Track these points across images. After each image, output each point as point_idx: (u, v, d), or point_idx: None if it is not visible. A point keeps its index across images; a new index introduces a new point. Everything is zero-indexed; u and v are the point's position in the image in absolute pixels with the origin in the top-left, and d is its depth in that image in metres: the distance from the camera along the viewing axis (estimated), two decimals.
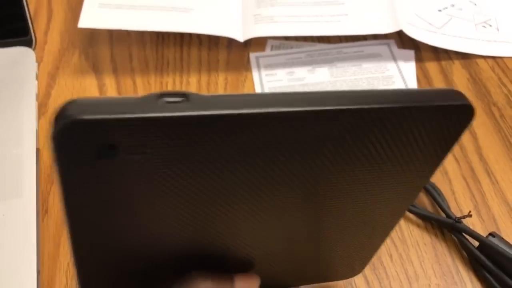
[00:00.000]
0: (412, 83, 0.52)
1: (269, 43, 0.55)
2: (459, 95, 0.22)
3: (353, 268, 0.35)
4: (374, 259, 0.40)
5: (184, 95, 0.19)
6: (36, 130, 0.44)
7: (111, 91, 0.50)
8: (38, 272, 0.37)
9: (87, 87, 0.51)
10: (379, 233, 0.31)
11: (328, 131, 0.21)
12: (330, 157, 0.23)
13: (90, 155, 0.19)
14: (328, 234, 0.29)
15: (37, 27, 0.55)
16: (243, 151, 0.21)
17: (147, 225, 0.23)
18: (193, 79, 0.52)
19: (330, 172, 0.24)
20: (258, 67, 0.53)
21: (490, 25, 0.56)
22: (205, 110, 0.19)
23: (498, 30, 0.56)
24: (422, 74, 0.52)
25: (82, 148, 0.18)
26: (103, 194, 0.21)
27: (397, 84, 0.51)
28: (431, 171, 0.26)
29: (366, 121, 0.21)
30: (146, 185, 0.21)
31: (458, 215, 0.41)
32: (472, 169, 0.45)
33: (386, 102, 0.21)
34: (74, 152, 0.18)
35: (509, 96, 0.51)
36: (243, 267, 0.30)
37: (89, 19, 0.51)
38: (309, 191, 0.24)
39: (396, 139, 0.23)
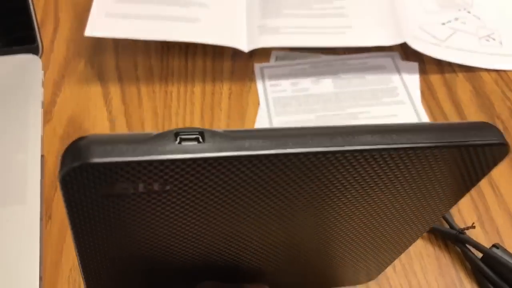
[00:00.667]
0: (416, 96, 0.52)
1: (274, 54, 0.55)
2: (494, 130, 0.21)
3: (366, 275, 0.34)
4: None
5: (200, 133, 0.18)
6: (41, 137, 0.45)
7: (116, 100, 0.51)
8: (41, 278, 0.37)
9: (92, 96, 0.51)
10: (394, 250, 0.30)
11: (352, 169, 0.20)
12: (351, 192, 0.22)
13: (99, 194, 0.18)
14: (340, 246, 0.29)
15: (44, 35, 0.55)
16: (259, 186, 0.20)
17: (156, 243, 0.23)
18: (197, 89, 0.52)
19: (348, 202, 0.23)
20: (263, 77, 0.53)
21: (494, 39, 0.56)
22: (220, 151, 0.18)
23: (501, 44, 0.56)
24: (426, 86, 0.53)
25: (92, 188, 0.18)
26: (112, 225, 0.21)
27: (401, 96, 0.52)
28: (454, 201, 0.25)
29: (395, 159, 0.20)
30: (157, 217, 0.21)
31: (462, 226, 0.41)
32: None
33: (417, 141, 0.20)
34: (83, 192, 0.18)
35: None
36: (254, 276, 0.29)
37: (95, 27, 0.52)
38: (323, 214, 0.24)
39: (423, 175, 0.22)
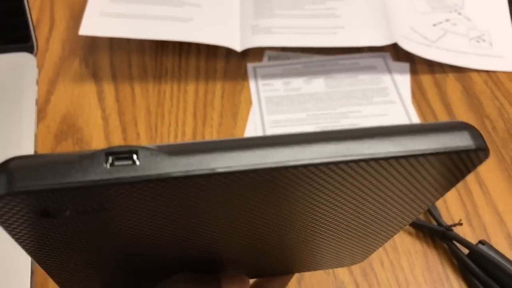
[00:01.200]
0: (406, 95, 0.52)
1: (267, 53, 0.56)
2: (472, 132, 0.18)
3: (350, 260, 0.34)
4: (366, 266, 0.40)
5: (134, 152, 0.17)
6: (35, 135, 0.45)
7: (110, 98, 0.51)
8: (32, 272, 0.37)
9: (86, 94, 0.51)
10: (379, 239, 0.31)
11: (305, 183, 0.18)
12: (313, 203, 0.20)
13: (32, 217, 0.17)
14: (317, 240, 0.29)
15: (40, 34, 0.56)
16: (206, 202, 0.19)
17: (116, 250, 0.23)
18: (190, 88, 0.53)
19: (313, 211, 0.22)
20: (255, 77, 0.54)
21: (484, 40, 0.57)
22: (154, 171, 0.16)
23: (491, 45, 0.57)
24: (416, 86, 0.53)
25: (22, 213, 0.17)
26: (63, 241, 0.20)
27: (391, 95, 0.52)
28: (433, 201, 0.24)
29: (348, 171, 0.18)
30: (105, 230, 0.20)
31: (450, 223, 0.42)
32: (464, 179, 0.46)
33: (377, 151, 0.17)
34: (15, 216, 0.17)
35: (501, 109, 0.51)
36: (233, 267, 0.29)
37: (90, 26, 0.52)
38: (290, 221, 0.23)
39: (393, 182, 0.20)
